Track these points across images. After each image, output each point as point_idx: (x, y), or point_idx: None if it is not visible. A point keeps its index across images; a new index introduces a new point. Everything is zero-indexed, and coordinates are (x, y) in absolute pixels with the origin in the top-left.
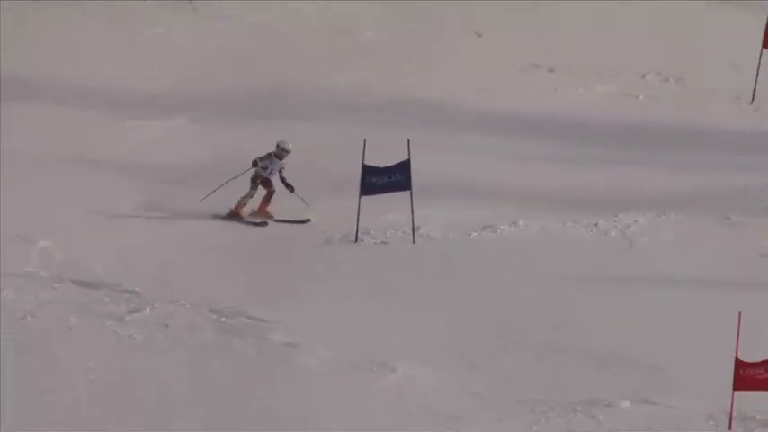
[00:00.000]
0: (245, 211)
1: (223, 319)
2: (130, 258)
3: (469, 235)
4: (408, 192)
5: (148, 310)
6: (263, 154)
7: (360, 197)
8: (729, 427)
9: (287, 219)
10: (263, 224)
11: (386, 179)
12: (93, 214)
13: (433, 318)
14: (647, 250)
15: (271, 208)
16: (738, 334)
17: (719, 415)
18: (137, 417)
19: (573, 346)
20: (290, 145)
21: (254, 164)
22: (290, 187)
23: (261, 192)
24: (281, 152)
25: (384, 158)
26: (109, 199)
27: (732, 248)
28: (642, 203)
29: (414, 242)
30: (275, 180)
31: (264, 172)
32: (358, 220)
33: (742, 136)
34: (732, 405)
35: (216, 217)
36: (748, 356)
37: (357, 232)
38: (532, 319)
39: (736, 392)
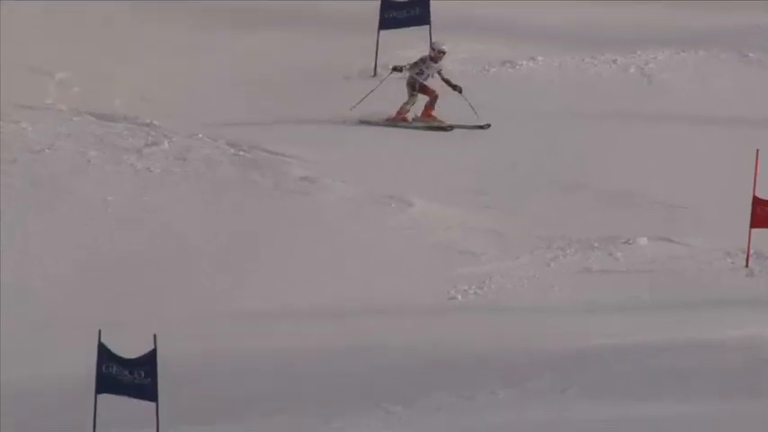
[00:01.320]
0: (409, 116)
1: (241, 153)
2: (148, 92)
3: (488, 70)
4: (427, 26)
5: (166, 143)
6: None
7: (378, 31)
8: (746, 265)
9: (461, 124)
10: (448, 128)
11: (405, 13)
12: (111, 50)
13: (450, 154)
14: (666, 86)
15: (434, 113)
16: (756, 171)
17: (736, 252)
18: (155, 251)
19: (590, 184)
20: (446, 45)
21: (397, 69)
22: (457, 88)
23: (422, 99)
24: (437, 54)
25: None
26: (127, 36)
27: (751, 86)
28: (662, 40)
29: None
30: (434, 84)
31: (420, 77)
32: (377, 54)
33: None
34: (749, 243)
35: (364, 122)
36: (766, 194)
37: (375, 67)
38: (550, 157)
39: (754, 230)
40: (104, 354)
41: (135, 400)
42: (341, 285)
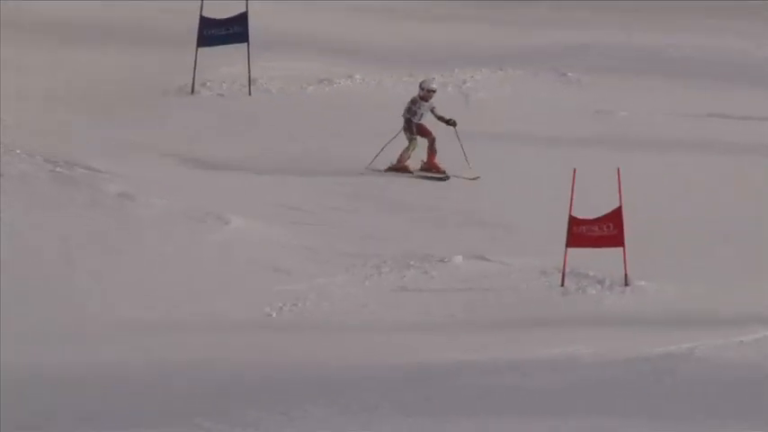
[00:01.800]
0: (413, 164)
1: (58, 169)
2: None
3: (305, 88)
4: (246, 44)
5: None
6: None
7: (197, 48)
8: (562, 284)
9: (456, 175)
10: (445, 178)
11: (223, 31)
12: None
13: (266, 171)
14: (484, 105)
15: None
16: (573, 191)
17: (552, 272)
18: None
19: (405, 203)
20: (435, 83)
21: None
22: (450, 122)
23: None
24: (426, 93)
25: (223, 13)
26: None
27: (569, 105)
28: (480, 59)
29: (250, 94)
30: (429, 124)
31: (415, 118)
32: (195, 71)
33: None
34: (565, 262)
35: (374, 171)
36: (582, 213)
37: (193, 84)
38: (367, 175)
39: (570, 249)
40: None
41: None
42: (156, 301)
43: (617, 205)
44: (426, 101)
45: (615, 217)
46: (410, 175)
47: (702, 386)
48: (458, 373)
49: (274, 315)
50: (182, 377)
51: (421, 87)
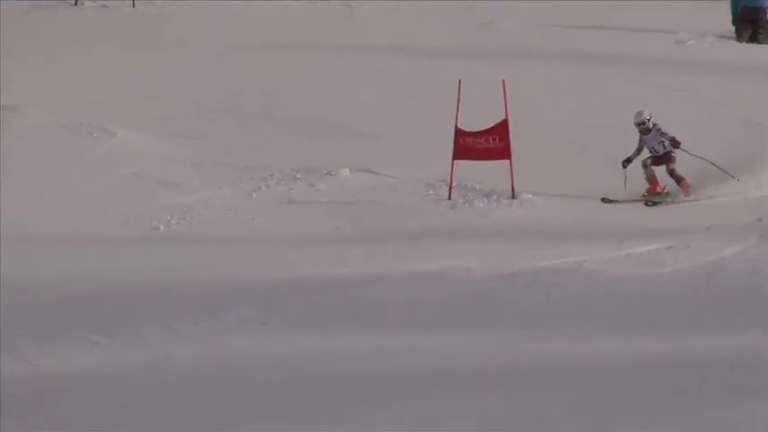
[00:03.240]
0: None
1: None
2: None
3: (190, 0)
4: None
5: None
6: None
7: None
8: (449, 197)
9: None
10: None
11: None
12: None
13: (152, 83)
14: (367, 17)
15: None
16: (458, 102)
17: (439, 184)
18: None
19: (288, 115)
20: (645, 112)
21: (624, 164)
22: (676, 144)
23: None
24: (640, 127)
25: None
26: None
27: (454, 17)
28: None
29: (134, 6)
30: (663, 149)
31: (652, 153)
32: None
33: None
34: (452, 174)
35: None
36: (468, 125)
37: None
38: (250, 87)
39: (456, 162)
40: None
41: None
42: (41, 214)
43: (503, 118)
44: (646, 133)
45: (501, 129)
46: (667, 197)
47: (591, 300)
48: (344, 286)
49: (162, 228)
50: (68, 290)
51: (635, 124)
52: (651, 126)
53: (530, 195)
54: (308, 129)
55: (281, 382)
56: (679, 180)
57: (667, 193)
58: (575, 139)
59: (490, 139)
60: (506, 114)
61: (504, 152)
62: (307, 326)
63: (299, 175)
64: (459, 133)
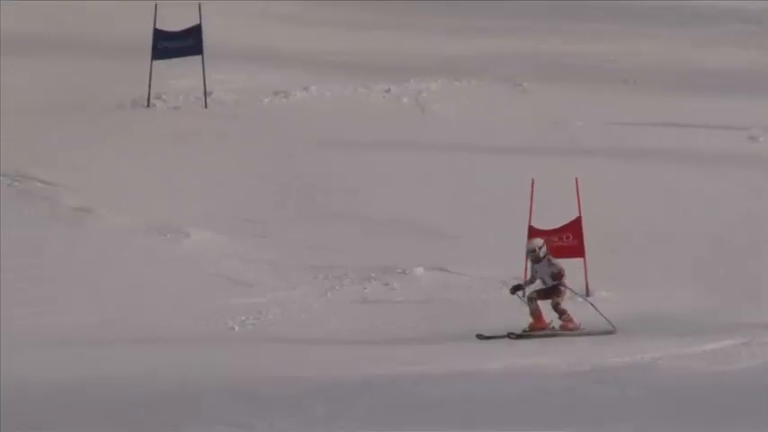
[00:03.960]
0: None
1: (15, 183)
2: None
3: (261, 100)
4: (200, 56)
5: None
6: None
7: (151, 61)
8: (523, 294)
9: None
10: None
11: (178, 43)
12: None
13: (225, 184)
14: (439, 116)
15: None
16: (532, 201)
17: (513, 282)
18: None
19: (364, 214)
20: (537, 240)
21: (513, 291)
22: (558, 277)
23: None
24: (531, 254)
25: (176, 24)
26: None
27: (524, 114)
28: (435, 69)
29: (206, 107)
30: (552, 282)
31: (542, 284)
32: (150, 84)
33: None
34: (525, 272)
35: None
36: (541, 223)
37: (149, 97)
38: (324, 186)
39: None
40: None
41: None
42: (117, 315)
43: (576, 215)
44: (537, 262)
45: (574, 227)
46: (553, 331)
47: (665, 396)
48: (423, 384)
49: (237, 328)
50: (143, 389)
51: (527, 252)
52: (542, 255)
53: (604, 292)
54: (381, 227)
55: None
56: (561, 313)
57: (552, 328)
58: (649, 236)
59: (563, 237)
60: (579, 212)
61: (577, 250)
62: (379, 424)
63: (373, 274)
64: (532, 231)
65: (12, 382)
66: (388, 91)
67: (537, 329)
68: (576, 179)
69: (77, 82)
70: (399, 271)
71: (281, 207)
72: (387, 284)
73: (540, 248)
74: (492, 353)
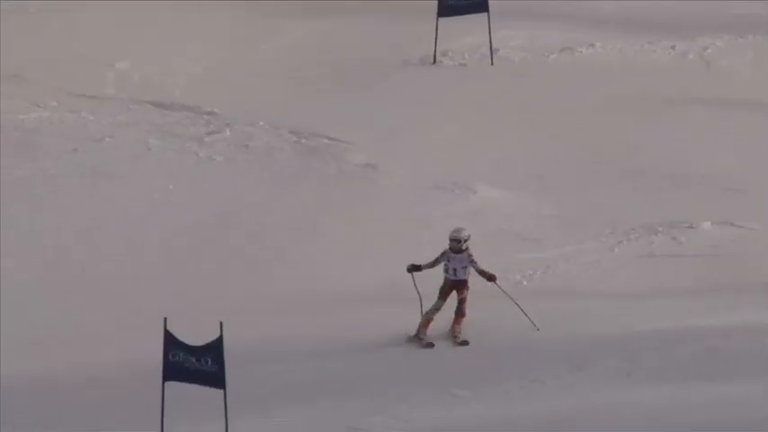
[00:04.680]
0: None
1: (303, 141)
2: (207, 81)
3: (547, 57)
4: (486, 13)
5: (228, 131)
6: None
7: (437, 18)
8: None
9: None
10: (464, 343)
11: (464, 1)
12: (170, 38)
13: (512, 141)
14: (725, 72)
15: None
16: None
17: None
18: (217, 238)
19: (651, 169)
20: (465, 231)
21: (411, 269)
22: (491, 277)
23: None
24: (454, 244)
25: None
26: (185, 24)
27: None
28: (720, 26)
29: (492, 64)
30: (469, 276)
31: (448, 274)
32: (436, 41)
33: None
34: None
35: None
36: None
37: (435, 54)
38: (610, 142)
39: None
40: (170, 341)
41: (202, 389)
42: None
43: None
44: (458, 252)
45: None
46: (420, 342)
47: None
48: (709, 337)
49: (525, 283)
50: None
51: (450, 239)
52: (464, 248)
53: None
54: (668, 182)
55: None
56: (461, 315)
57: (430, 344)
58: None
59: None
60: None
61: None
62: (669, 377)
63: (660, 229)
64: None
65: (296, 337)
66: (673, 47)
67: (414, 336)
68: None
69: (365, 41)
70: (686, 225)
71: (565, 163)
72: (674, 239)
73: (465, 241)
74: None
